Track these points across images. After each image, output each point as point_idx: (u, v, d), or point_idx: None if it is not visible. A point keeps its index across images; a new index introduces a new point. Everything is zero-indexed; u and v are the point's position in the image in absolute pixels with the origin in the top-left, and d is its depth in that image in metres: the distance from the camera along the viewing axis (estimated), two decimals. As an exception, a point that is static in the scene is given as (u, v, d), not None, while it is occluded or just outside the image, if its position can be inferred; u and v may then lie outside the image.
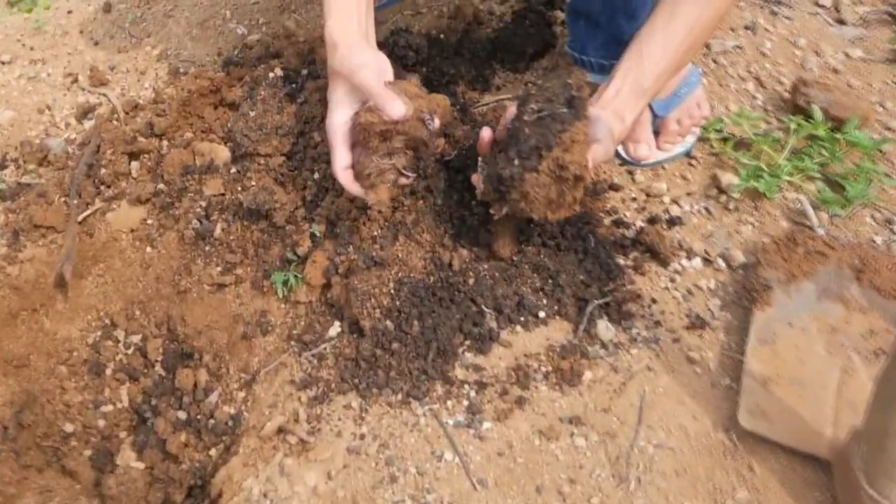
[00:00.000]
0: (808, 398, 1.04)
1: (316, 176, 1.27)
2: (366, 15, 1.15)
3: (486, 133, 1.12)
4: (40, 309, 1.22)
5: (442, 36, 1.63)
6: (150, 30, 1.77)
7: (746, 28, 1.62)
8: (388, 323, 1.13)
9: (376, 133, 1.08)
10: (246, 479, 1.03)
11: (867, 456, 0.88)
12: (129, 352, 1.21)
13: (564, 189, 1.07)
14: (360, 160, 1.11)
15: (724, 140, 1.40)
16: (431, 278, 1.16)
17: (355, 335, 1.15)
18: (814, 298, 1.14)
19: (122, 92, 1.60)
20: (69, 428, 1.14)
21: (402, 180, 1.12)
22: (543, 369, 1.11)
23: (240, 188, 1.30)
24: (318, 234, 1.23)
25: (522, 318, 1.16)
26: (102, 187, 1.36)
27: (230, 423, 1.10)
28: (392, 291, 1.14)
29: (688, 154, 1.41)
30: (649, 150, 1.36)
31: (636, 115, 1.14)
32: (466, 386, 1.10)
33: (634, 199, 1.35)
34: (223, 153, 1.35)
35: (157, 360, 1.19)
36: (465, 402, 1.08)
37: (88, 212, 1.33)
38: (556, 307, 1.17)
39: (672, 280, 1.23)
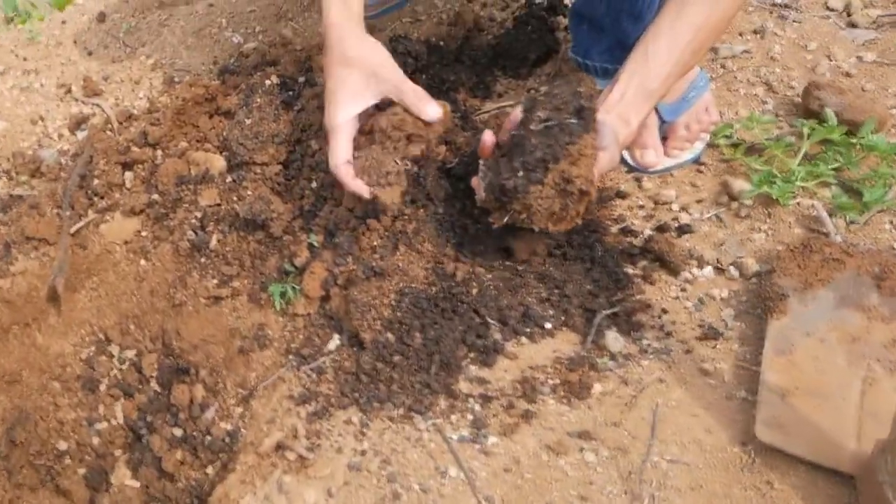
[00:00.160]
0: (828, 410, 1.04)
1: (314, 185, 1.28)
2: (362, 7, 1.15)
3: (488, 136, 1.13)
4: (32, 323, 1.23)
5: (442, 43, 1.65)
6: (145, 39, 1.79)
7: (755, 32, 1.64)
8: (390, 335, 1.13)
9: (404, 134, 1.07)
10: (243, 497, 1.02)
11: (894, 469, 0.88)
12: (124, 367, 1.21)
13: (568, 203, 1.08)
14: (375, 157, 1.10)
15: (735, 146, 1.41)
16: (433, 289, 1.16)
17: (355, 348, 1.15)
18: (832, 307, 1.14)
19: (116, 102, 1.63)
20: (63, 446, 1.14)
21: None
22: (551, 382, 1.11)
23: (236, 198, 1.30)
24: (316, 245, 1.24)
25: (528, 330, 1.16)
26: (96, 198, 1.37)
27: (227, 440, 1.10)
28: (393, 302, 1.14)
29: (697, 161, 1.41)
30: (657, 156, 1.37)
31: (642, 118, 1.14)
32: (471, 400, 1.09)
33: (642, 207, 1.36)
34: (218, 162, 1.36)
35: (152, 376, 1.19)
36: (470, 417, 1.08)
37: (81, 223, 1.34)
38: (562, 318, 1.17)
39: (683, 289, 1.23)
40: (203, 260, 1.28)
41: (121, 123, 1.53)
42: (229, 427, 1.12)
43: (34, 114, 1.60)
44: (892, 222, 1.28)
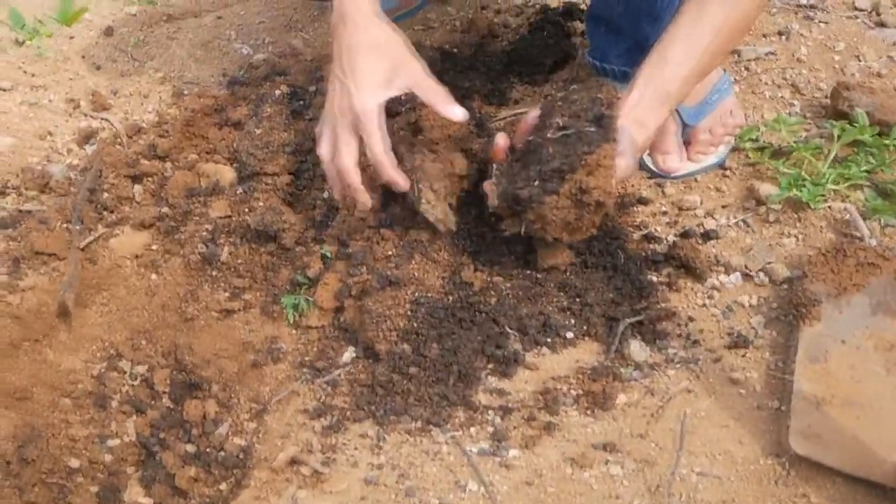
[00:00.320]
0: (866, 420, 1.03)
1: (325, 195, 1.31)
2: None
3: (501, 140, 1.14)
4: (42, 339, 1.26)
5: (455, 50, 1.69)
6: (153, 53, 1.85)
7: (780, 34, 1.65)
8: (405, 346, 1.14)
9: (430, 136, 1.10)
10: (257, 514, 1.04)
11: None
12: (135, 383, 1.24)
13: (584, 213, 1.09)
14: (419, 166, 1.13)
15: (761, 149, 1.42)
16: (450, 298, 1.18)
17: (370, 360, 1.17)
18: (867, 313, 1.14)
19: (125, 116, 1.67)
20: (74, 463, 1.16)
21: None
22: (573, 393, 1.12)
23: (246, 209, 1.34)
24: (329, 255, 1.26)
25: (549, 339, 1.17)
26: (105, 212, 1.41)
27: (241, 456, 1.12)
28: (408, 313, 1.16)
29: (721, 165, 1.42)
30: (679, 161, 1.37)
31: (660, 122, 1.15)
32: (490, 412, 1.11)
33: (665, 213, 1.37)
34: (228, 174, 1.40)
35: (164, 392, 1.22)
36: (490, 429, 1.09)
37: (91, 238, 1.37)
38: (584, 327, 1.19)
39: (710, 297, 1.24)
40: (214, 273, 1.31)
41: (130, 137, 1.57)
42: (243, 442, 1.14)
43: (42, 129, 1.65)
44: (928, 225, 1.28)
